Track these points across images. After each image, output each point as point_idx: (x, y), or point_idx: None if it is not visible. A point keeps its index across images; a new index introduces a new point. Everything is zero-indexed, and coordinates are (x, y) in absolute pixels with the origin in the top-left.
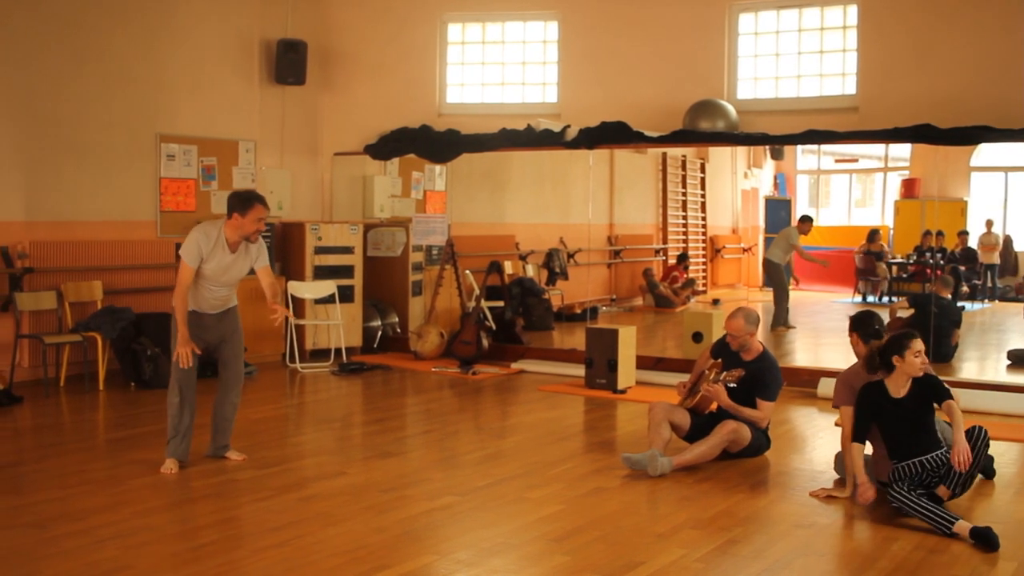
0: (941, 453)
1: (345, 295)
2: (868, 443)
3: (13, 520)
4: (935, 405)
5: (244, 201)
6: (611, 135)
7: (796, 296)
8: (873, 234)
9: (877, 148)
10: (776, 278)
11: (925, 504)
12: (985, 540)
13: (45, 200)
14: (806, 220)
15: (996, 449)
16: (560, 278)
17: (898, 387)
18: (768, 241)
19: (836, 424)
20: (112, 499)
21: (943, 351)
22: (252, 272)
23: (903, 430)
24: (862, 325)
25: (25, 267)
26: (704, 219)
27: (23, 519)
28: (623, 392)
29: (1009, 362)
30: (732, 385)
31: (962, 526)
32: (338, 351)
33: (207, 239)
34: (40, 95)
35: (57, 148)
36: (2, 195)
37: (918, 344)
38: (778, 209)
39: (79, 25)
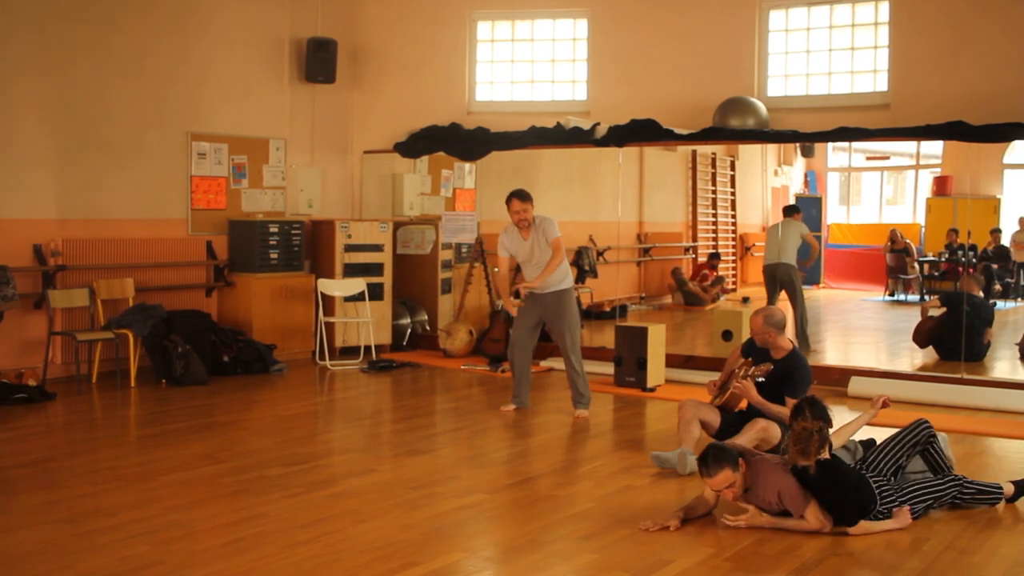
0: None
1: (375, 293)
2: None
3: (46, 515)
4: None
5: (507, 200)
6: (641, 133)
7: (828, 294)
8: (892, 233)
9: (909, 145)
10: (797, 283)
11: (948, 482)
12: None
13: (77, 198)
14: (798, 210)
15: None
16: (589, 276)
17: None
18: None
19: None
20: (143, 495)
21: (975, 350)
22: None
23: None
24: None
25: (58, 265)
26: (734, 217)
27: (55, 514)
28: (652, 390)
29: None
30: (761, 380)
31: (1008, 487)
32: (367, 349)
33: (506, 233)
34: (72, 94)
35: (89, 147)
36: (35, 193)
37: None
38: (809, 207)
39: (110, 24)
